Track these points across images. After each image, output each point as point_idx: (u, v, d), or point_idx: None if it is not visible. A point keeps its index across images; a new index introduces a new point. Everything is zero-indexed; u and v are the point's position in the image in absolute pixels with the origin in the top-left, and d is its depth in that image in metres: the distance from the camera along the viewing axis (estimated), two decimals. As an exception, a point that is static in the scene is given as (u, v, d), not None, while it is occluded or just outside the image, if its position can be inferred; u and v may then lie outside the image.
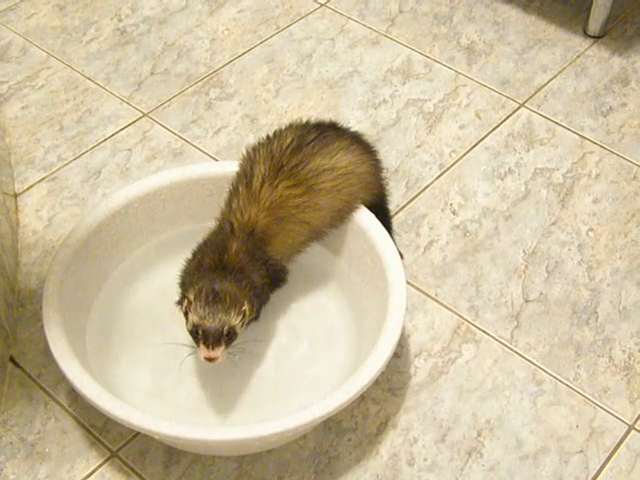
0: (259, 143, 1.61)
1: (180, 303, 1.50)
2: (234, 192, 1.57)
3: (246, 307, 1.46)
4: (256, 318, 1.56)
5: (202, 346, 1.42)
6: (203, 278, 1.47)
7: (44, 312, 1.48)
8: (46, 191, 1.93)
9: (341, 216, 1.62)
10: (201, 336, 1.42)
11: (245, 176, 1.57)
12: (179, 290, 1.55)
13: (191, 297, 1.44)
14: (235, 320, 1.43)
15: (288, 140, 1.57)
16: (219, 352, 1.42)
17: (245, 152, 1.62)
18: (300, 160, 1.55)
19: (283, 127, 1.63)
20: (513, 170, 1.99)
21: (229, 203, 1.57)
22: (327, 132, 1.62)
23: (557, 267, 1.80)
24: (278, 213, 1.53)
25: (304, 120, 1.66)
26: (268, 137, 1.61)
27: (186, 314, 1.45)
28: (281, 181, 1.54)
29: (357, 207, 1.63)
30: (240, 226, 1.53)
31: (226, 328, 1.42)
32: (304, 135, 1.59)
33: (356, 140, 1.65)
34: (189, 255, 1.58)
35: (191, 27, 2.34)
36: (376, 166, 1.67)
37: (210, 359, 1.42)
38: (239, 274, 1.49)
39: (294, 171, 1.54)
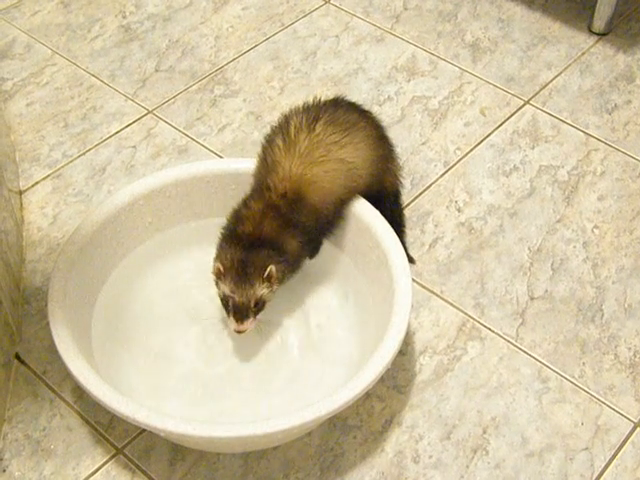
0: (293, 109, 1.64)
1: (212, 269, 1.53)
2: (270, 146, 1.59)
3: (273, 272, 1.49)
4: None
5: (232, 318, 1.50)
6: (233, 247, 1.51)
7: (49, 309, 1.48)
8: (51, 188, 1.93)
9: (372, 175, 1.65)
10: (231, 309, 1.49)
11: (281, 130, 1.59)
12: (215, 255, 1.56)
13: (221, 267, 1.50)
14: (262, 290, 1.49)
15: (324, 101, 1.64)
16: (247, 324, 1.50)
17: (279, 118, 1.65)
18: (337, 111, 1.60)
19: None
20: (518, 167, 1.99)
21: (264, 159, 1.59)
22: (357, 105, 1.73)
23: (562, 264, 1.80)
24: (315, 155, 1.55)
25: None
26: (297, 107, 1.64)
27: (217, 283, 1.52)
28: (319, 124, 1.57)
29: (381, 178, 1.69)
30: (276, 184, 1.54)
31: (254, 301, 1.49)
32: (338, 101, 1.67)
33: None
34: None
35: (195, 24, 2.34)
36: (392, 156, 1.73)
37: (239, 332, 1.50)
38: (271, 240, 1.52)
39: (332, 117, 1.59)
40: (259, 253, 1.50)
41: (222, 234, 1.57)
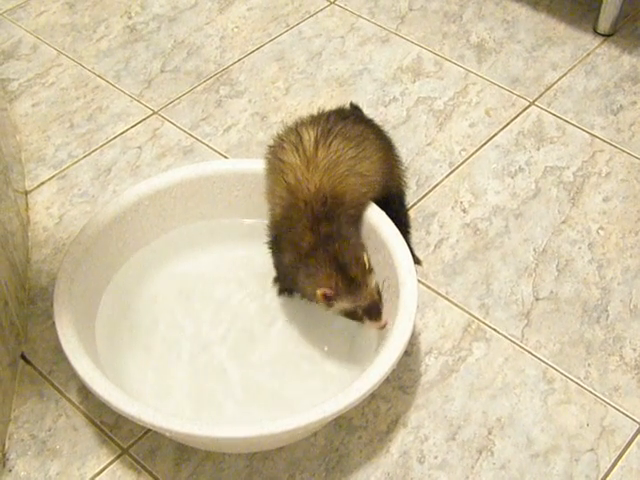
0: (299, 121, 1.65)
1: (316, 299, 1.49)
2: (285, 165, 1.58)
3: (367, 259, 1.48)
4: None
5: (369, 322, 1.48)
6: (317, 263, 1.48)
7: (55, 309, 1.48)
8: (56, 188, 1.93)
9: (383, 182, 1.68)
10: (362, 314, 1.47)
11: (294, 146, 1.58)
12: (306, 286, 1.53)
13: (326, 290, 1.46)
14: (373, 280, 1.48)
15: (329, 113, 1.66)
16: (385, 317, 1.48)
17: (284, 131, 1.65)
18: (346, 124, 1.62)
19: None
20: (523, 168, 1.99)
21: (284, 179, 1.57)
22: (359, 114, 1.84)
23: (567, 265, 1.80)
24: (338, 171, 1.56)
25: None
26: (302, 120, 1.65)
27: (331, 306, 1.48)
28: (334, 139, 1.58)
29: (388, 183, 1.71)
30: (312, 197, 1.53)
31: (377, 294, 1.48)
32: (343, 111, 1.73)
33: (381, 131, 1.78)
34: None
35: (201, 25, 2.34)
36: (397, 160, 1.76)
37: (384, 326, 1.48)
38: (341, 236, 1.51)
39: (343, 131, 1.60)
40: (342, 245, 1.48)
41: (291, 268, 1.54)
